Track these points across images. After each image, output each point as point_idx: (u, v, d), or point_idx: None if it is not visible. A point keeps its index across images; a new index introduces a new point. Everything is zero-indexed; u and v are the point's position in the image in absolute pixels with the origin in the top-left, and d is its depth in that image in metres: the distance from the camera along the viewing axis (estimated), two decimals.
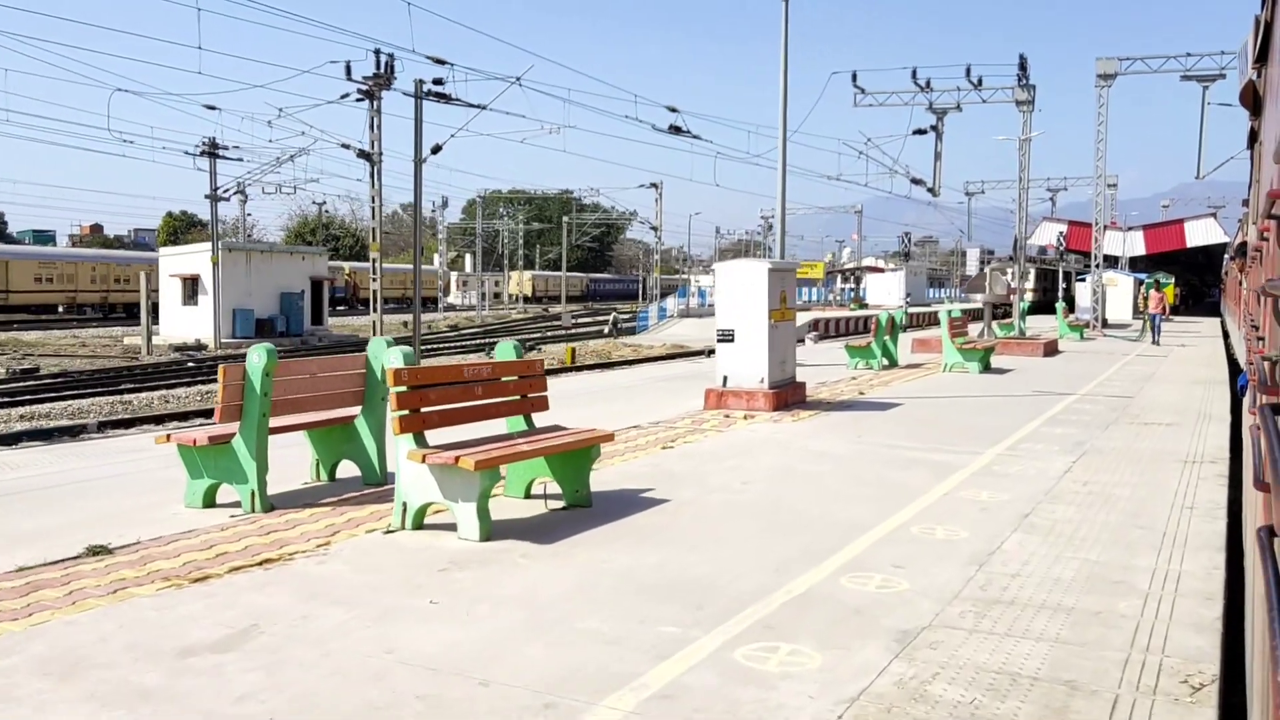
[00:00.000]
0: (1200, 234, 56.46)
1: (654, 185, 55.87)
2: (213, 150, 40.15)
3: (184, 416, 18.66)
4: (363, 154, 30.81)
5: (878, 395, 14.48)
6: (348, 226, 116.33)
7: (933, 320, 58.82)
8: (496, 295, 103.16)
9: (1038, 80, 37.04)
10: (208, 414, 17.64)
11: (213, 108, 30.19)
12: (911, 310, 55.61)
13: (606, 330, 50.11)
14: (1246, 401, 6.58)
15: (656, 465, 8.63)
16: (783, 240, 13.01)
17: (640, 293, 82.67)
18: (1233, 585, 5.58)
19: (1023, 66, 35.66)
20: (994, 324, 36.18)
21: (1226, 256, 40.64)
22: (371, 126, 30.32)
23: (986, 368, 19.11)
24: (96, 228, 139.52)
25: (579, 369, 27.77)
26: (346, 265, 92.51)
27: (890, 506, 7.22)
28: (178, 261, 47.29)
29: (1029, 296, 65.15)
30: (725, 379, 12.29)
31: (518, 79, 27.48)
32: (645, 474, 8.26)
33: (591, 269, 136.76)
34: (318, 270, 51.94)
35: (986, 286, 24.17)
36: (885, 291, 75.66)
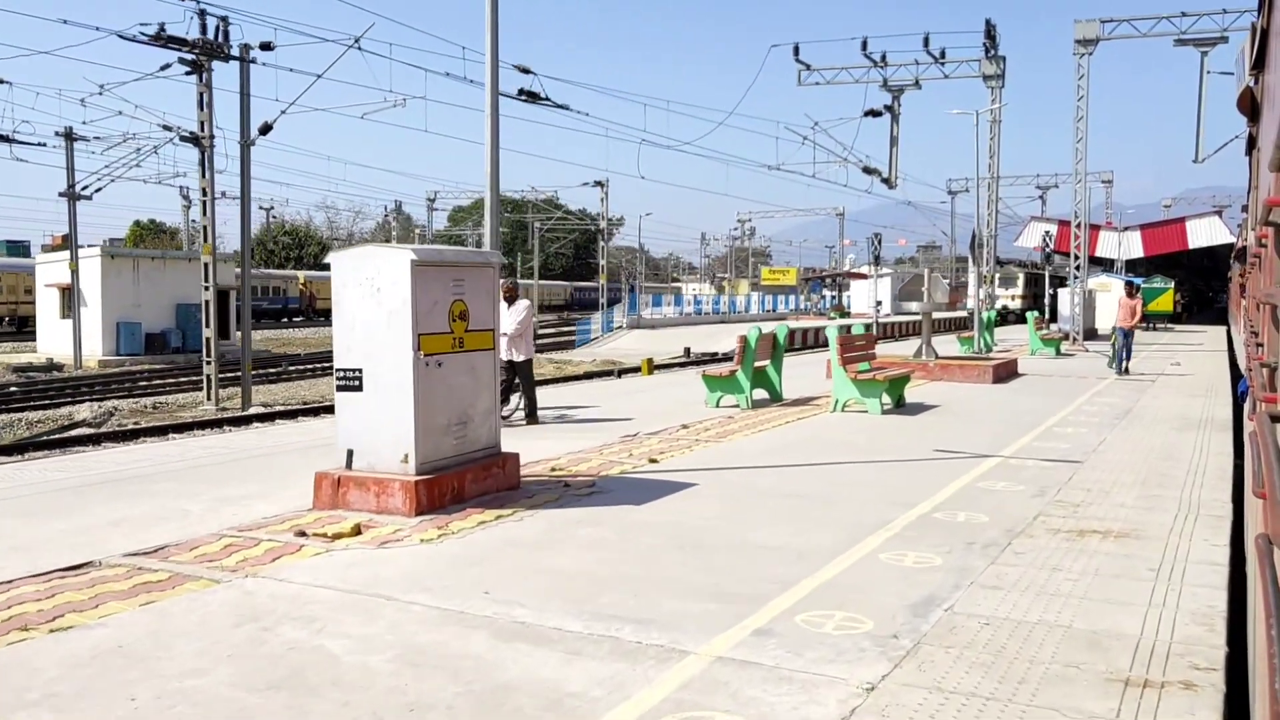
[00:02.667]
0: (1204, 234, 51.07)
1: (599, 184, 50.71)
2: (68, 139, 35.10)
3: None
4: (191, 138, 25.70)
5: (677, 464, 9.25)
6: (313, 233, 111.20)
7: (908, 331, 53.42)
8: None
9: (1024, 61, 32.05)
10: None
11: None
12: (884, 320, 50.58)
13: None
14: (1247, 408, 6.59)
15: None
16: (493, 224, 7.65)
17: (613, 298, 77.10)
18: None
19: (990, 35, 30.44)
20: (954, 339, 30.85)
21: (1233, 259, 35.58)
22: (201, 104, 25.21)
23: (898, 404, 13.88)
24: (69, 238, 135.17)
25: None
26: (300, 274, 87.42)
27: None
28: (55, 270, 42.26)
29: (1015, 303, 59.69)
30: (350, 455, 7.08)
31: (356, 41, 22.40)
32: None
33: (578, 277, 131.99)
34: (223, 279, 46.87)
35: (925, 293, 18.94)
36: (870, 299, 70.22)
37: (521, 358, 11.55)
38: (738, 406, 13.73)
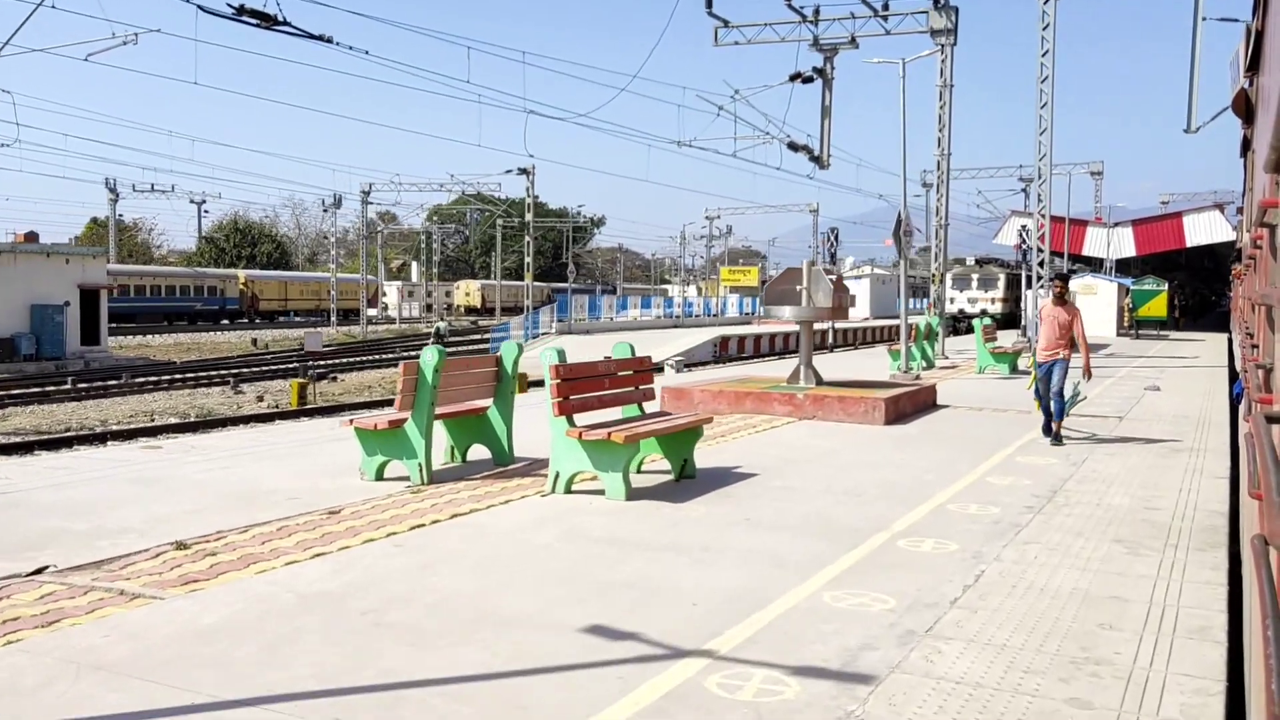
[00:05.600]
0: (1203, 230, 45.48)
1: (524, 171, 45.21)
2: None
3: None
4: None
5: None
6: (267, 230, 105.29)
7: (880, 336, 47.97)
8: (447, 305, 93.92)
9: (1012, 43, 26.56)
10: None
11: None
12: (854, 325, 45.25)
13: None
14: (1242, 409, 6.76)
15: None
16: None
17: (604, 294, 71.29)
18: None
19: None
20: (887, 351, 25.21)
21: (1232, 260, 30.25)
22: None
23: (682, 474, 8.35)
24: (31, 235, 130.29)
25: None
26: (241, 273, 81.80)
27: None
28: None
29: (995, 307, 53.80)
30: None
31: None
32: None
33: (558, 278, 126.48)
34: (90, 276, 41.77)
35: (803, 294, 13.39)
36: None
37: None
38: (408, 480, 8.21)
